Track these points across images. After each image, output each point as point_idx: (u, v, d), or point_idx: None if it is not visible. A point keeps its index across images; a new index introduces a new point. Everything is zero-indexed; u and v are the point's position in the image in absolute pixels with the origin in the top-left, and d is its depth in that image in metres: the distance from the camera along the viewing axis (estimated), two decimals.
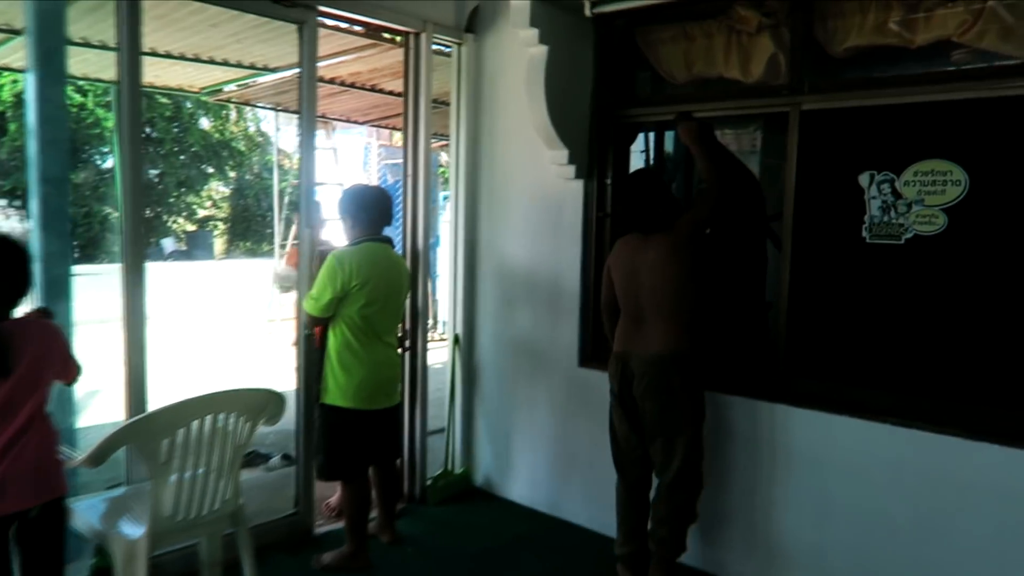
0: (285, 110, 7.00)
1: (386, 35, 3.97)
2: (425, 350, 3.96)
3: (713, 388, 3.04)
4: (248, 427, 2.47)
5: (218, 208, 25.77)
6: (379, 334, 3.13)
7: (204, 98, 6.39)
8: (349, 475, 3.15)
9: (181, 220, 24.52)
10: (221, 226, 26.06)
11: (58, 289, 2.73)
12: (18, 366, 1.96)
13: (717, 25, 3.26)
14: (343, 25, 3.85)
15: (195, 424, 2.32)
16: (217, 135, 22.68)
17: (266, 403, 2.51)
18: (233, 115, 22.56)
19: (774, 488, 3.02)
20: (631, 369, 2.90)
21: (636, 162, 3.78)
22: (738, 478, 3.12)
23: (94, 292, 5.57)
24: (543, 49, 3.30)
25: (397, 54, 4.09)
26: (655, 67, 3.51)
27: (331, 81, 5.56)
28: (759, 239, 3.29)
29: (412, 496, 3.99)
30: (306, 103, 3.34)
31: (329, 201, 4.46)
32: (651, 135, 3.83)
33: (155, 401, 2.67)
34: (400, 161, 4.13)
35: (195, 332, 10.06)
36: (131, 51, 2.78)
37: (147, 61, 4.74)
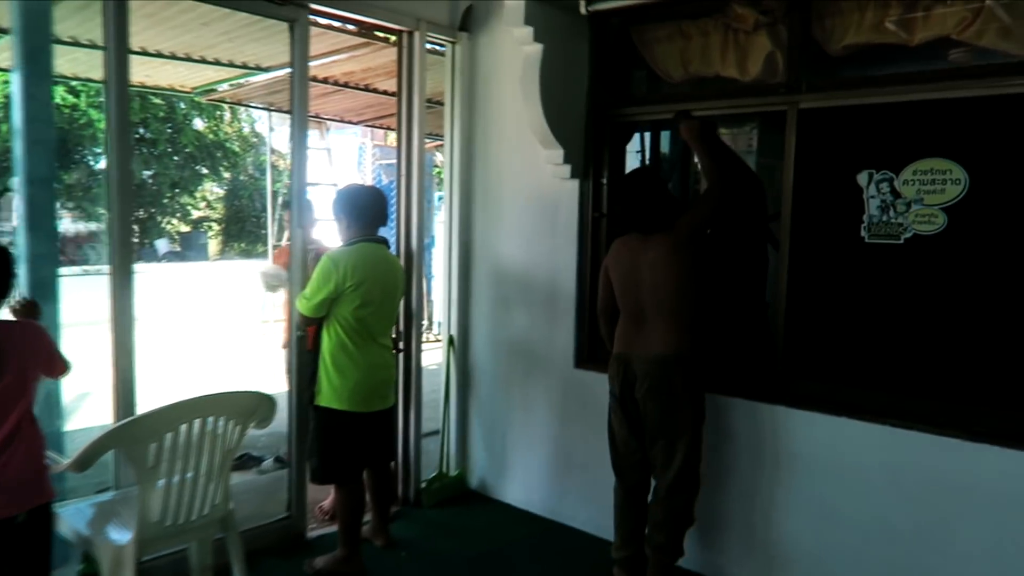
0: (279, 110, 6.95)
1: (379, 34, 3.93)
2: (419, 351, 3.92)
3: (711, 389, 3.01)
4: (238, 430, 2.43)
5: (212, 209, 25.68)
6: (374, 335, 3.10)
7: (197, 98, 6.35)
8: (343, 478, 3.12)
9: (175, 221, 24.43)
10: (215, 227, 25.98)
11: (45, 291, 2.68)
12: (5, 373, 1.93)
13: (713, 23, 3.23)
14: (336, 24, 3.81)
15: (183, 428, 2.28)
16: (211, 136, 22.60)
17: (256, 406, 2.47)
18: (227, 116, 22.49)
19: (772, 490, 2.99)
20: (633, 370, 2.87)
21: (632, 162, 3.75)
22: (736, 480, 3.09)
23: (86, 294, 5.51)
24: (538, 48, 3.27)
25: (390, 53, 4.05)
26: (651, 66, 3.48)
27: (324, 81, 5.52)
28: (760, 239, 3.26)
29: (406, 499, 3.96)
30: (298, 102, 3.30)
31: (322, 201, 4.42)
32: (647, 134, 3.81)
33: (144, 404, 2.63)
34: (394, 161, 4.09)
35: (189, 334, 10.00)
36: (118, 50, 2.74)
37: (138, 60, 4.70)
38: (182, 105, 20.27)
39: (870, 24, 2.81)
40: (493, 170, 3.94)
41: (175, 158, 21.71)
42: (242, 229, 25.50)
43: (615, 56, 3.56)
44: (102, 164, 18.41)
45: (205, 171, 23.25)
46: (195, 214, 25.12)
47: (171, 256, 23.01)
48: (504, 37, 3.72)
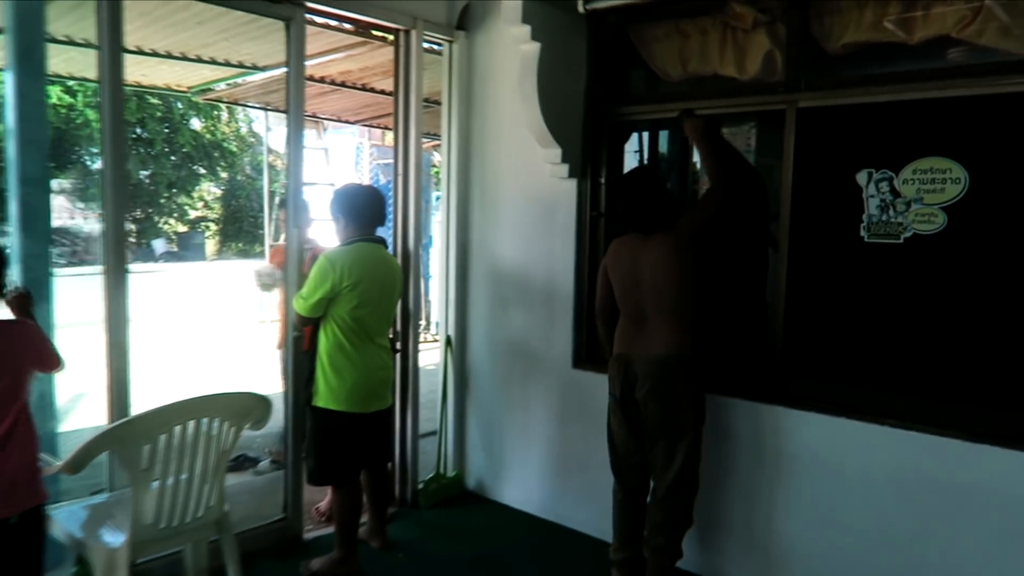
0: (275, 110, 6.93)
1: (376, 32, 3.91)
2: (417, 351, 3.90)
3: (711, 390, 2.99)
4: (233, 432, 2.41)
5: (210, 209, 25.65)
6: (371, 336, 3.08)
7: (193, 98, 6.33)
8: (341, 479, 3.10)
9: (172, 221, 24.41)
10: (213, 227, 25.94)
11: (39, 291, 2.66)
12: (3, 375, 1.92)
13: (712, 22, 3.22)
14: (332, 22, 3.79)
15: (177, 429, 2.26)
16: (208, 135, 22.57)
17: (251, 407, 2.45)
18: (225, 116, 22.47)
19: (771, 491, 2.98)
20: (634, 371, 2.85)
21: (630, 162, 3.74)
22: (735, 481, 3.07)
23: (83, 293, 5.49)
24: (535, 46, 3.25)
25: (387, 52, 4.03)
26: (649, 64, 3.47)
27: (321, 80, 5.51)
28: (762, 239, 3.24)
29: (403, 500, 3.94)
30: (294, 101, 3.28)
31: (318, 201, 4.40)
32: (645, 134, 3.79)
33: (140, 405, 2.61)
34: (392, 161, 4.07)
35: (186, 334, 9.98)
36: (112, 48, 2.71)
37: (134, 60, 4.69)
38: (179, 105, 20.25)
39: (869, 22, 2.79)
40: (490, 170, 3.93)
41: (172, 158, 21.71)
42: (239, 229, 25.47)
43: (613, 55, 3.54)
44: (99, 164, 18.36)
45: (202, 171, 23.22)
46: (192, 214, 25.08)
47: (168, 256, 22.97)
48: (501, 36, 3.70)
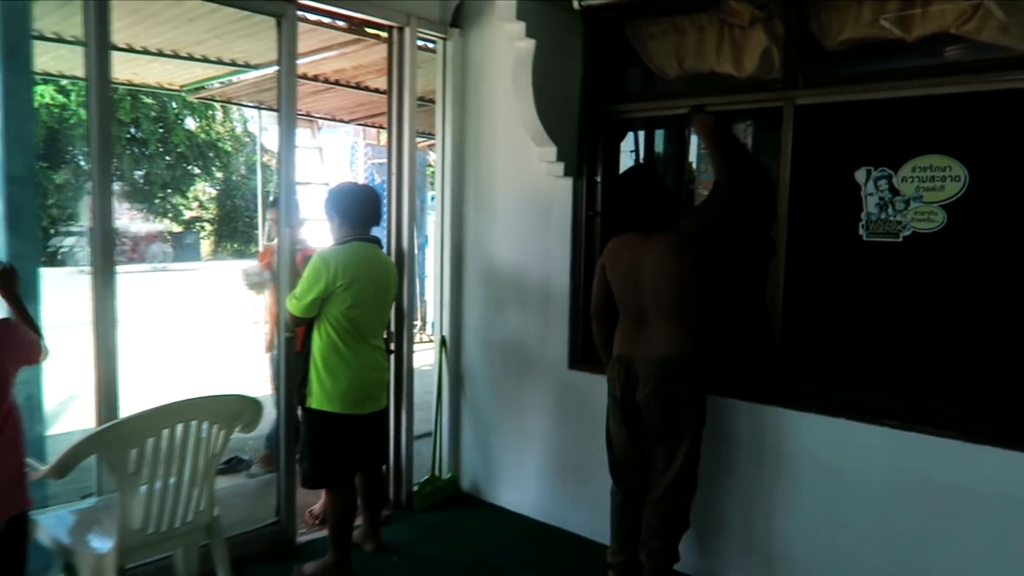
0: (269, 108, 6.89)
1: (369, 30, 3.87)
2: (411, 352, 3.87)
3: (709, 391, 2.95)
4: (222, 435, 2.37)
5: (205, 209, 25.57)
6: (365, 336, 3.04)
7: (186, 96, 6.28)
8: (335, 482, 3.06)
9: (167, 221, 24.32)
10: (208, 227, 25.86)
11: (26, 291, 2.61)
12: None
13: (708, 18, 3.19)
14: (325, 20, 3.75)
15: (165, 433, 2.22)
16: (203, 135, 22.50)
17: (241, 410, 2.41)
18: (219, 115, 22.41)
19: (770, 492, 2.95)
20: (635, 372, 2.81)
21: (626, 161, 3.70)
22: (733, 483, 3.04)
23: (74, 294, 5.44)
24: (530, 43, 3.22)
25: (381, 50, 4.00)
26: (645, 62, 3.44)
27: (315, 78, 5.47)
28: (765, 240, 3.20)
29: (398, 502, 3.90)
30: (285, 99, 3.24)
31: (309, 200, 4.36)
32: (641, 133, 3.76)
33: (129, 408, 2.57)
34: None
35: (180, 335, 9.92)
36: (100, 45, 2.67)
37: (125, 58, 4.64)
38: (174, 105, 20.20)
39: (868, 19, 2.76)
40: (485, 168, 3.89)
41: (167, 158, 21.66)
42: (235, 230, 25.41)
43: (609, 52, 3.51)
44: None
45: (197, 171, 23.17)
46: (187, 214, 25.00)
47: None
48: (496, 33, 3.67)
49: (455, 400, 4.10)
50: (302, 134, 8.64)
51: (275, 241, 3.44)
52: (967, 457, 2.49)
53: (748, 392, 3.02)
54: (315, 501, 3.68)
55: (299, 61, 3.33)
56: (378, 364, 3.15)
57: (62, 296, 4.84)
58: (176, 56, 4.71)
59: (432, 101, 4.11)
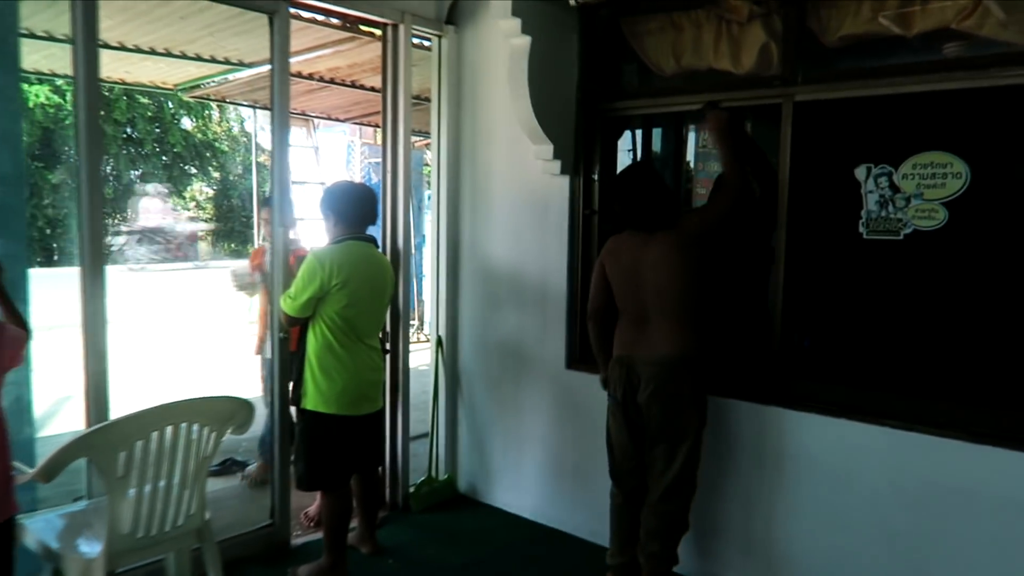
0: (263, 107, 6.86)
1: (363, 27, 3.83)
2: (407, 352, 3.83)
3: (710, 391, 2.92)
4: (213, 437, 2.33)
5: (202, 209, 25.48)
6: (361, 336, 3.01)
7: (180, 94, 6.24)
8: (331, 484, 3.03)
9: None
10: (205, 227, 25.77)
11: (15, 293, 2.57)
12: None
13: (706, 14, 3.15)
14: (319, 17, 3.71)
15: (154, 435, 2.18)
16: (200, 135, 22.44)
17: (232, 412, 2.37)
18: (216, 115, 22.36)
19: (770, 494, 2.92)
20: (637, 373, 2.77)
21: (623, 159, 3.67)
22: (733, 484, 3.01)
23: (69, 295, 5.41)
24: (526, 40, 3.18)
25: (376, 48, 3.96)
26: (642, 58, 3.40)
27: (309, 77, 5.44)
28: (766, 246, 3.16)
29: (394, 504, 3.87)
30: (278, 97, 3.21)
31: (303, 199, 4.32)
32: (639, 132, 3.72)
33: (120, 410, 2.53)
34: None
35: (176, 335, 9.88)
36: (87, 42, 2.63)
37: (117, 56, 4.61)
38: (170, 105, 20.15)
39: (867, 14, 2.73)
40: (481, 167, 3.86)
41: (163, 158, 21.61)
42: (232, 230, 25.32)
43: (605, 49, 3.47)
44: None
45: (194, 171, 23.13)
46: (184, 215, 24.93)
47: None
48: (491, 30, 3.63)
49: (452, 401, 4.06)
50: (298, 133, 8.61)
51: (266, 242, 3.40)
52: (969, 458, 2.46)
53: (748, 392, 2.99)
54: (310, 503, 3.64)
55: (293, 59, 3.30)
56: (374, 364, 3.12)
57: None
58: (169, 54, 4.67)
59: (428, 99, 4.07)
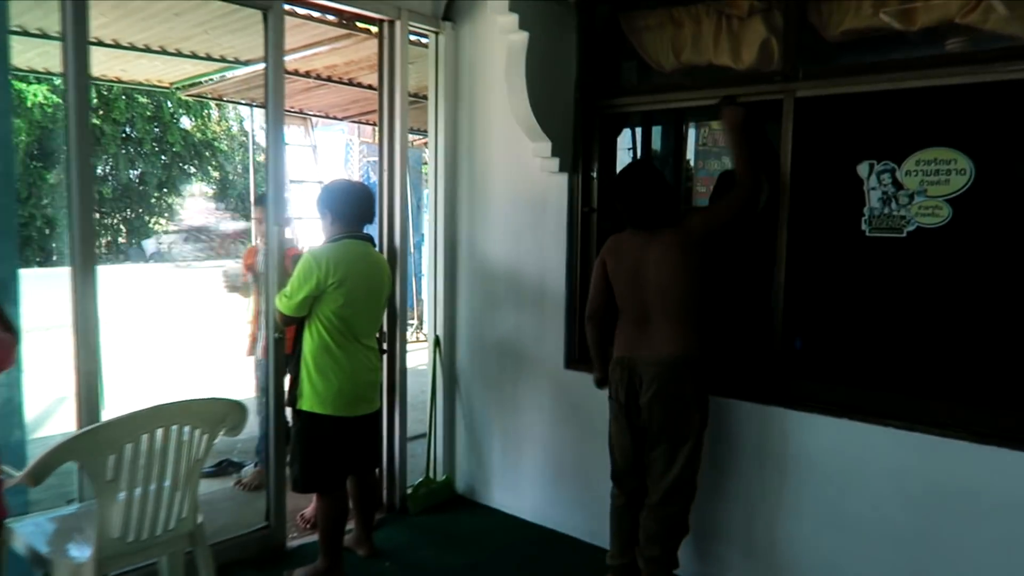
0: (260, 105, 6.82)
1: (360, 24, 3.79)
2: (404, 352, 3.79)
3: (712, 392, 2.88)
4: (205, 439, 2.29)
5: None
6: (358, 336, 2.98)
7: (176, 93, 6.20)
8: (327, 486, 2.99)
9: (163, 221, 24.23)
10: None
11: (5, 293, 2.55)
12: None
13: (706, 10, 3.11)
14: (314, 14, 3.68)
15: (144, 438, 2.14)
16: (199, 135, 22.42)
17: (224, 414, 2.33)
18: (215, 114, 22.34)
19: (772, 495, 2.88)
20: (639, 374, 2.73)
21: (622, 157, 3.63)
22: (734, 485, 2.98)
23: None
24: (523, 36, 3.15)
25: (373, 45, 3.92)
26: (641, 55, 3.36)
27: (306, 75, 5.39)
28: (771, 240, 3.12)
29: (391, 505, 3.83)
30: (273, 95, 3.18)
31: (297, 198, 4.29)
32: (638, 129, 3.68)
33: (113, 411, 2.49)
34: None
35: (176, 335, 9.85)
36: (77, 39, 2.59)
37: (111, 54, 4.57)
38: (168, 104, 20.13)
39: (869, 8, 2.69)
40: (479, 165, 3.82)
41: (162, 157, 21.60)
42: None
43: (604, 45, 3.43)
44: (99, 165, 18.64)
45: (193, 170, 23.12)
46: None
47: (159, 256, 22.85)
48: (489, 26, 3.59)
49: (449, 401, 4.03)
50: (296, 132, 8.56)
51: (258, 242, 3.36)
52: (973, 458, 2.43)
53: (750, 392, 2.95)
54: (306, 505, 3.61)
55: (289, 57, 3.26)
56: (371, 365, 3.09)
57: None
58: (164, 52, 4.63)
59: (425, 97, 4.04)
